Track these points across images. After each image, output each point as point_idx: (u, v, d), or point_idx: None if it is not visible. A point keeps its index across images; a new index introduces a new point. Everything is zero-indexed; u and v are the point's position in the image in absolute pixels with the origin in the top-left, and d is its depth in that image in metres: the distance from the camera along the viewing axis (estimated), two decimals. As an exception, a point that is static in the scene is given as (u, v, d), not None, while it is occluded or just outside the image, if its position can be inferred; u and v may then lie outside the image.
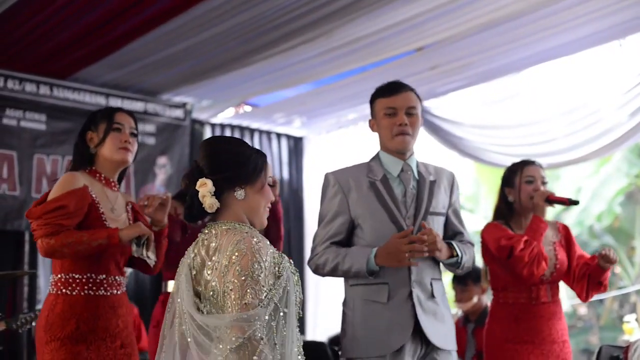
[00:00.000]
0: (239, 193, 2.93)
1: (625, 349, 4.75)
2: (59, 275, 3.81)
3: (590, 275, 4.74)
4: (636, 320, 9.28)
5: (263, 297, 2.72)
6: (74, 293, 3.77)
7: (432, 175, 4.03)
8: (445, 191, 4.05)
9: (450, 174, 4.15)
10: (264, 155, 3.08)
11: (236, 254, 2.73)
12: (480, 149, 7.52)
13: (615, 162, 14.41)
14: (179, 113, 7.97)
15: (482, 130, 7.58)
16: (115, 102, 7.39)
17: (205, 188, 2.87)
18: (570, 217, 14.78)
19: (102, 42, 6.31)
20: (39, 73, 6.99)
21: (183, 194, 2.98)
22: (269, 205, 3.09)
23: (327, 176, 4.02)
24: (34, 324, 4.69)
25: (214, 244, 2.84)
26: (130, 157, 4.05)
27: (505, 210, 4.81)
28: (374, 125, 4.08)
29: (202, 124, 8.38)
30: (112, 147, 3.97)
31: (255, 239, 2.80)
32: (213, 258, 2.82)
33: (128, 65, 6.90)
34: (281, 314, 2.80)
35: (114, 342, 3.82)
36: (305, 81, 7.44)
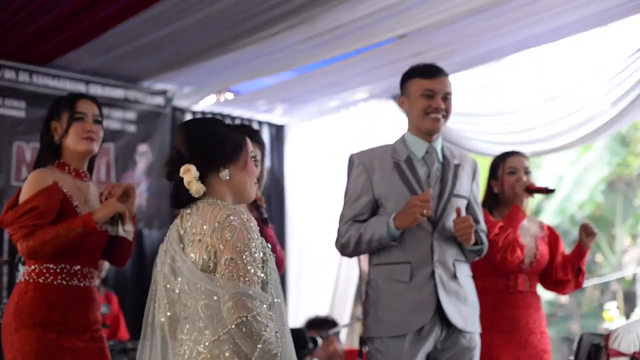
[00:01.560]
0: (224, 174, 2.93)
1: (606, 336, 4.76)
2: (33, 267, 3.78)
3: (570, 261, 4.78)
4: (617, 308, 9.34)
5: (262, 276, 2.73)
6: (47, 282, 3.74)
7: (456, 159, 4.11)
8: (468, 177, 4.15)
9: (473, 161, 4.23)
10: (242, 132, 3.07)
11: (229, 229, 2.72)
12: (462, 137, 7.51)
13: (597, 151, 14.47)
14: (160, 100, 7.92)
15: (464, 118, 7.57)
16: (95, 89, 7.33)
17: (189, 174, 2.86)
18: (551, 206, 14.85)
19: (82, 28, 6.25)
20: (18, 59, 6.92)
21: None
22: (256, 180, 3.09)
23: (351, 157, 4.08)
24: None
25: (195, 218, 2.84)
26: (96, 146, 3.98)
27: (491, 201, 4.84)
28: (404, 103, 4.10)
29: (183, 111, 8.33)
30: (75, 138, 3.91)
31: (244, 216, 2.79)
32: (193, 231, 2.81)
33: (109, 51, 6.85)
34: (276, 301, 2.81)
35: (83, 334, 3.80)
36: (288, 68, 7.41)
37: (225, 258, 2.69)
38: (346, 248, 3.97)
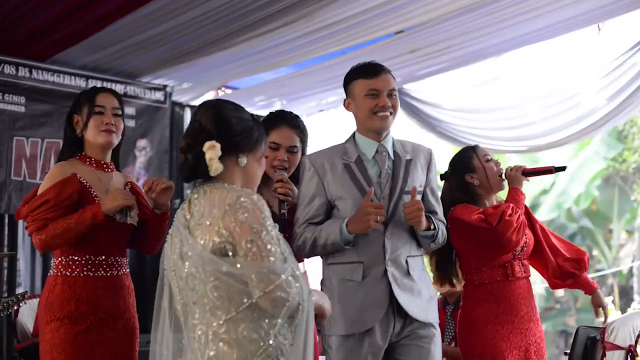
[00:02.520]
0: (242, 160, 2.94)
1: (602, 329, 4.79)
2: (60, 258, 3.84)
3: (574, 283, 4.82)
4: (613, 302, 9.38)
5: (280, 251, 2.76)
6: (74, 274, 3.80)
7: (408, 154, 4.05)
8: (422, 169, 4.07)
9: (428, 151, 4.16)
10: (262, 126, 3.10)
11: (241, 211, 2.73)
12: (459, 132, 7.55)
13: (593, 146, 14.52)
14: (159, 96, 7.95)
15: (461, 114, 7.61)
16: (94, 85, 7.30)
17: (213, 151, 2.85)
18: (548, 200, 14.89)
19: (81, 24, 6.27)
20: (18, 55, 6.93)
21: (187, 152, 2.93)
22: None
23: (302, 160, 4.05)
24: (16, 307, 4.71)
25: (203, 202, 2.85)
26: (115, 138, 4.01)
27: (468, 196, 4.75)
28: (350, 104, 4.06)
29: (182, 106, 8.36)
30: (94, 131, 3.94)
31: (254, 196, 2.81)
32: (202, 214, 2.82)
33: (108, 47, 6.86)
34: (297, 272, 2.81)
35: (115, 324, 3.85)
36: (286, 64, 7.43)
37: (245, 241, 2.70)
38: (302, 250, 3.93)
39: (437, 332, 4.02)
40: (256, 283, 2.65)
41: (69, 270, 3.81)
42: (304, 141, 4.25)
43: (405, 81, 7.72)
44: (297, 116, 4.31)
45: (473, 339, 4.59)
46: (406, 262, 3.93)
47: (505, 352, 4.50)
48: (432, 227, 3.95)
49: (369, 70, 4.04)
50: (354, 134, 4.10)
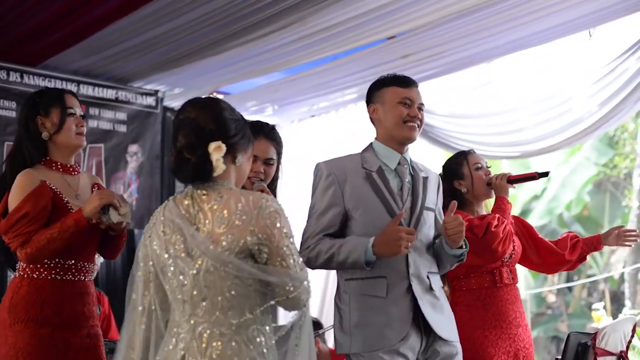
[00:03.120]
0: (239, 159, 2.94)
1: (594, 335, 4.79)
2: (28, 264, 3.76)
3: (581, 247, 4.84)
4: (604, 308, 9.39)
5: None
6: (41, 277, 3.71)
7: (423, 172, 4.00)
8: (434, 191, 4.03)
9: (437, 176, 4.15)
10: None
11: (274, 215, 2.80)
12: (450, 138, 7.55)
13: (584, 152, 14.54)
14: (150, 101, 7.94)
15: (453, 119, 7.61)
16: (86, 90, 7.35)
17: (219, 151, 2.83)
18: (539, 206, 14.90)
19: (73, 28, 6.27)
20: (9, 60, 6.94)
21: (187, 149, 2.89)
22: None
23: (320, 166, 3.92)
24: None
25: (221, 200, 2.84)
26: (85, 142, 3.98)
27: (457, 202, 4.77)
28: (376, 111, 3.97)
29: (174, 112, 8.33)
30: (69, 134, 3.87)
31: (276, 200, 2.88)
32: (225, 213, 2.81)
33: (99, 52, 6.86)
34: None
35: (79, 330, 3.77)
36: (278, 69, 7.44)
37: (282, 245, 2.78)
38: (312, 262, 3.80)
39: (460, 350, 3.95)
40: (281, 288, 2.76)
41: (37, 272, 3.72)
42: (279, 153, 4.19)
43: (397, 86, 7.72)
44: (273, 127, 4.28)
45: (462, 344, 4.60)
46: (428, 277, 3.86)
47: (494, 358, 4.51)
48: (463, 245, 3.88)
49: (404, 80, 3.98)
50: (371, 144, 4.01)
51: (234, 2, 5.72)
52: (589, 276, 15.35)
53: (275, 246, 2.76)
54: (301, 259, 2.86)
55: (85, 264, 3.86)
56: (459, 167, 4.77)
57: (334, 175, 3.84)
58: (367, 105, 4.04)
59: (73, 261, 3.79)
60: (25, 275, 3.74)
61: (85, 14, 5.99)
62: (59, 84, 7.18)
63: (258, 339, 2.78)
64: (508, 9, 5.80)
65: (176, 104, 8.29)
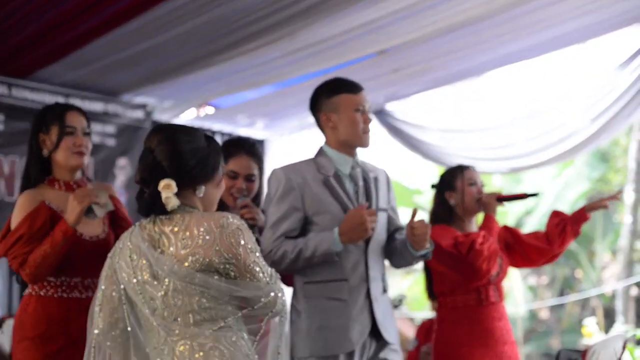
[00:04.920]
0: (199, 191, 2.96)
1: (584, 352, 4.77)
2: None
3: (562, 223, 4.83)
4: (596, 324, 9.37)
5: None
6: (48, 295, 3.75)
7: (372, 173, 4.05)
8: (384, 188, 4.09)
9: (384, 172, 4.18)
10: (218, 147, 3.10)
11: (237, 232, 2.82)
12: (442, 152, 7.54)
13: (577, 166, 14.56)
14: (139, 114, 7.89)
15: (444, 134, 7.60)
16: (74, 102, 7.25)
17: (169, 190, 2.86)
18: (532, 221, 14.90)
19: (61, 41, 6.23)
20: (-3, 72, 6.90)
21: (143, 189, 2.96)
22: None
23: (277, 172, 3.95)
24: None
25: (182, 222, 2.87)
26: (86, 160, 3.96)
27: (446, 214, 4.81)
28: (330, 119, 3.98)
29: (163, 125, 8.32)
30: (66, 153, 3.87)
31: (236, 217, 2.89)
32: (187, 234, 2.84)
33: (88, 65, 6.82)
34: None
35: (86, 347, 3.79)
36: (268, 82, 7.41)
37: (248, 262, 2.81)
38: (277, 264, 3.75)
39: (401, 357, 4.00)
40: (254, 300, 2.82)
41: (44, 290, 3.76)
42: (261, 169, 4.24)
43: (387, 100, 7.73)
44: (254, 143, 4.31)
45: (449, 361, 4.58)
46: (382, 279, 3.94)
47: (481, 376, 4.51)
48: (428, 245, 3.88)
49: (353, 85, 4.03)
50: (322, 149, 4.05)
51: (224, 15, 5.70)
52: (581, 292, 15.34)
53: (243, 263, 2.80)
54: (271, 270, 2.88)
55: (92, 280, 3.86)
56: (453, 179, 4.81)
57: (293, 180, 3.87)
58: (316, 112, 4.07)
59: (79, 278, 3.83)
60: (33, 293, 3.79)
61: (75, 27, 5.96)
62: (47, 97, 7.13)
63: (239, 343, 2.82)
64: (499, 24, 5.80)
65: (165, 117, 8.25)
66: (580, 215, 4.87)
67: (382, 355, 3.85)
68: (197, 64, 6.75)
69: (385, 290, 3.95)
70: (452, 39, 6.09)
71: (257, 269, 2.82)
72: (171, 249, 2.84)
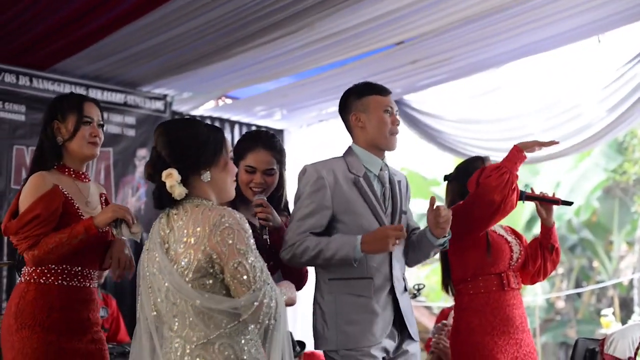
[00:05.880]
0: (205, 176, 3.00)
1: (601, 341, 4.79)
2: (34, 267, 3.74)
3: (541, 243, 4.80)
4: (613, 313, 9.37)
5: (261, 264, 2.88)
6: (48, 282, 3.71)
7: (397, 176, 4.10)
8: (405, 192, 4.15)
9: (405, 177, 4.24)
10: (220, 132, 3.13)
11: (227, 232, 2.82)
12: (459, 143, 7.55)
13: (593, 157, 14.51)
14: (159, 105, 7.95)
15: (461, 125, 7.61)
16: (95, 94, 7.35)
17: (172, 179, 2.93)
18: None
19: (82, 33, 6.28)
20: (19, 64, 6.95)
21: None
22: (235, 178, 3.17)
23: (308, 169, 3.96)
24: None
25: (185, 220, 2.92)
26: (98, 150, 3.98)
27: None
28: (359, 119, 4.01)
29: (182, 116, 8.36)
30: (82, 142, 3.88)
31: (237, 214, 2.89)
32: (185, 232, 2.89)
33: (108, 56, 6.87)
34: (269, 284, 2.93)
35: (84, 336, 3.77)
36: (286, 74, 7.43)
37: (233, 262, 2.80)
38: (297, 258, 3.83)
39: (418, 345, 4.10)
40: (244, 310, 2.79)
41: (44, 278, 3.71)
42: (281, 162, 4.18)
43: (405, 92, 7.73)
44: (273, 135, 4.26)
45: (471, 350, 4.58)
46: (403, 279, 4.01)
47: (504, 364, 4.52)
48: (448, 232, 3.96)
49: (382, 89, 4.08)
50: (351, 148, 4.07)
51: (242, 7, 5.72)
52: (598, 282, 15.31)
53: (226, 263, 2.81)
54: (262, 273, 2.86)
55: (91, 271, 3.87)
56: (474, 171, 4.76)
57: (324, 178, 3.89)
58: (346, 113, 4.09)
59: (79, 268, 3.80)
60: (32, 280, 3.73)
61: (94, 19, 6.00)
62: (67, 88, 7.19)
63: (226, 353, 2.83)
64: (517, 15, 5.80)
65: (185, 108, 8.31)
66: (515, 155, 4.72)
67: (404, 346, 3.95)
68: (216, 56, 6.78)
69: (405, 289, 4.02)
70: (470, 30, 6.10)
71: (242, 270, 2.80)
72: (174, 245, 2.92)
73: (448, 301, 6.91)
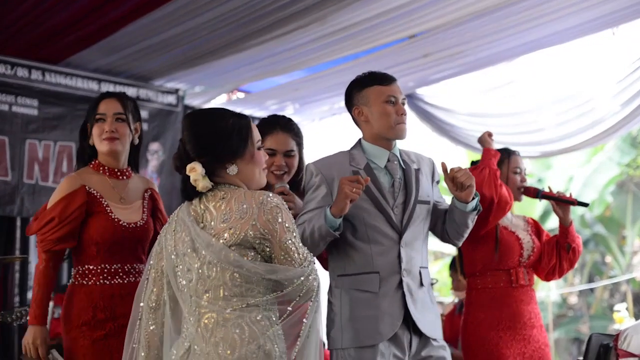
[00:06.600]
0: (231, 169, 3.02)
1: (615, 337, 4.77)
2: (77, 268, 3.88)
3: (558, 241, 4.78)
4: (626, 309, 9.32)
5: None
6: (90, 283, 3.82)
7: (415, 164, 3.99)
8: (428, 179, 4.02)
9: (430, 161, 4.12)
10: (246, 121, 3.12)
11: (276, 210, 2.92)
12: (472, 137, 7.52)
13: (607, 151, 14.44)
14: (171, 99, 7.96)
15: (474, 118, 7.59)
16: (107, 88, 7.37)
17: (195, 173, 2.95)
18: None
19: (94, 27, 6.29)
20: (31, 58, 6.97)
21: None
22: (265, 167, 3.17)
23: (308, 167, 3.92)
24: (28, 318, 4.74)
25: (225, 199, 2.96)
26: (119, 145, 3.97)
27: None
28: (361, 113, 3.94)
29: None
30: (97, 140, 3.95)
31: (277, 197, 2.98)
32: (228, 209, 2.93)
33: (120, 50, 6.88)
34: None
35: None
36: (298, 68, 7.43)
37: (284, 239, 2.91)
38: None
39: (448, 352, 3.94)
40: (289, 282, 2.89)
41: (86, 279, 3.83)
42: (300, 144, 4.19)
43: (417, 85, 7.72)
44: (290, 119, 4.26)
45: (477, 344, 4.59)
46: (420, 272, 3.87)
47: (509, 359, 4.51)
48: (474, 194, 3.83)
49: (384, 77, 3.97)
50: (359, 141, 4.01)
51: (254, 0, 5.72)
52: (611, 277, 15.27)
53: (278, 240, 2.89)
54: (307, 252, 2.97)
55: (134, 265, 3.95)
56: (499, 164, 4.76)
57: (322, 174, 3.85)
58: (349, 108, 4.03)
59: (119, 265, 3.89)
60: (76, 282, 3.87)
61: (107, 12, 6.01)
62: (80, 82, 7.22)
63: (263, 322, 2.88)
64: (529, 8, 5.78)
65: (197, 102, 8.32)
66: (485, 153, 4.74)
67: (424, 353, 3.81)
68: (228, 49, 6.79)
69: (422, 284, 3.86)
70: (483, 23, 6.08)
71: (293, 248, 2.90)
72: (212, 222, 2.94)
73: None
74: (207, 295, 2.90)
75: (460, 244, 4.08)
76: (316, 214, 3.72)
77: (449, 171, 3.77)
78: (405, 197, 3.88)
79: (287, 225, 2.91)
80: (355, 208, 3.75)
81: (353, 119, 4.06)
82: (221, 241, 2.88)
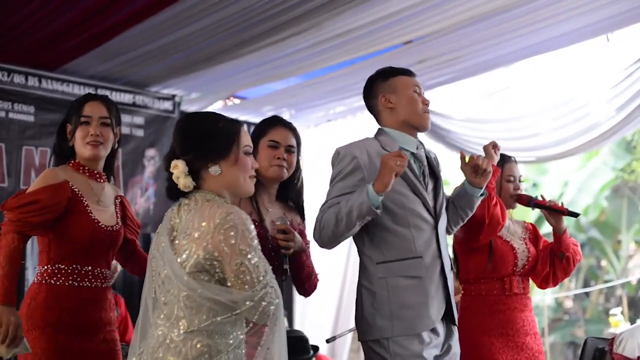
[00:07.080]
0: (213, 169, 2.99)
1: (611, 341, 4.80)
2: (46, 267, 3.75)
3: (552, 250, 4.80)
4: (621, 313, 9.36)
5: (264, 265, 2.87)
6: (58, 283, 3.71)
7: (432, 153, 4.08)
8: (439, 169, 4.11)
9: (434, 153, 4.18)
10: (235, 126, 3.08)
11: (231, 230, 2.80)
12: (467, 143, 7.55)
13: (602, 156, 14.47)
14: (167, 105, 7.98)
15: (470, 124, 7.61)
16: (103, 94, 7.37)
17: (177, 170, 2.96)
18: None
19: (91, 33, 6.30)
20: (28, 65, 6.98)
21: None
22: (253, 173, 3.11)
23: (341, 151, 3.86)
24: None
25: (193, 212, 2.92)
26: (102, 150, 3.91)
27: None
28: (388, 99, 3.96)
29: (190, 116, 8.38)
30: (80, 143, 3.86)
31: (244, 214, 2.88)
32: (190, 225, 2.90)
33: (117, 57, 6.89)
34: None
35: (96, 336, 3.78)
36: (294, 74, 7.44)
37: (235, 263, 2.78)
38: (324, 231, 3.68)
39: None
40: (240, 305, 2.79)
41: (54, 278, 3.72)
42: (298, 144, 4.15)
43: (413, 91, 7.73)
44: (289, 123, 4.23)
45: (470, 349, 4.59)
46: (448, 257, 3.93)
47: (503, 366, 4.53)
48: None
49: (407, 71, 4.07)
50: (383, 130, 3.99)
51: (250, 7, 5.73)
52: (606, 281, 15.29)
53: (229, 262, 2.80)
54: (265, 276, 2.84)
55: (103, 270, 3.87)
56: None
57: (359, 159, 3.80)
58: (373, 97, 4.05)
59: (90, 267, 3.80)
60: (44, 281, 3.74)
61: (103, 19, 6.02)
62: (76, 89, 7.22)
63: (205, 349, 2.82)
64: (525, 14, 5.80)
65: (193, 108, 8.32)
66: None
67: (451, 342, 3.87)
68: (224, 56, 6.80)
69: (451, 268, 3.95)
70: (478, 29, 6.10)
71: (244, 270, 2.79)
72: (179, 236, 2.94)
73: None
74: (166, 308, 2.89)
75: (454, 231, 4.20)
76: (353, 194, 3.65)
77: (467, 160, 3.90)
78: (435, 183, 3.95)
79: (240, 247, 2.79)
80: (394, 192, 3.71)
81: (374, 109, 4.07)
82: (179, 260, 2.86)
